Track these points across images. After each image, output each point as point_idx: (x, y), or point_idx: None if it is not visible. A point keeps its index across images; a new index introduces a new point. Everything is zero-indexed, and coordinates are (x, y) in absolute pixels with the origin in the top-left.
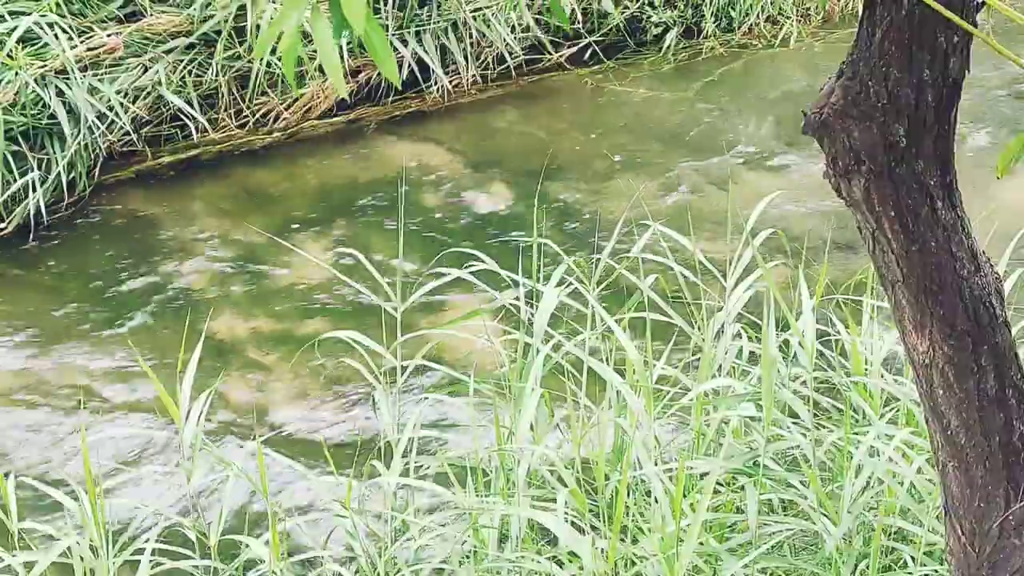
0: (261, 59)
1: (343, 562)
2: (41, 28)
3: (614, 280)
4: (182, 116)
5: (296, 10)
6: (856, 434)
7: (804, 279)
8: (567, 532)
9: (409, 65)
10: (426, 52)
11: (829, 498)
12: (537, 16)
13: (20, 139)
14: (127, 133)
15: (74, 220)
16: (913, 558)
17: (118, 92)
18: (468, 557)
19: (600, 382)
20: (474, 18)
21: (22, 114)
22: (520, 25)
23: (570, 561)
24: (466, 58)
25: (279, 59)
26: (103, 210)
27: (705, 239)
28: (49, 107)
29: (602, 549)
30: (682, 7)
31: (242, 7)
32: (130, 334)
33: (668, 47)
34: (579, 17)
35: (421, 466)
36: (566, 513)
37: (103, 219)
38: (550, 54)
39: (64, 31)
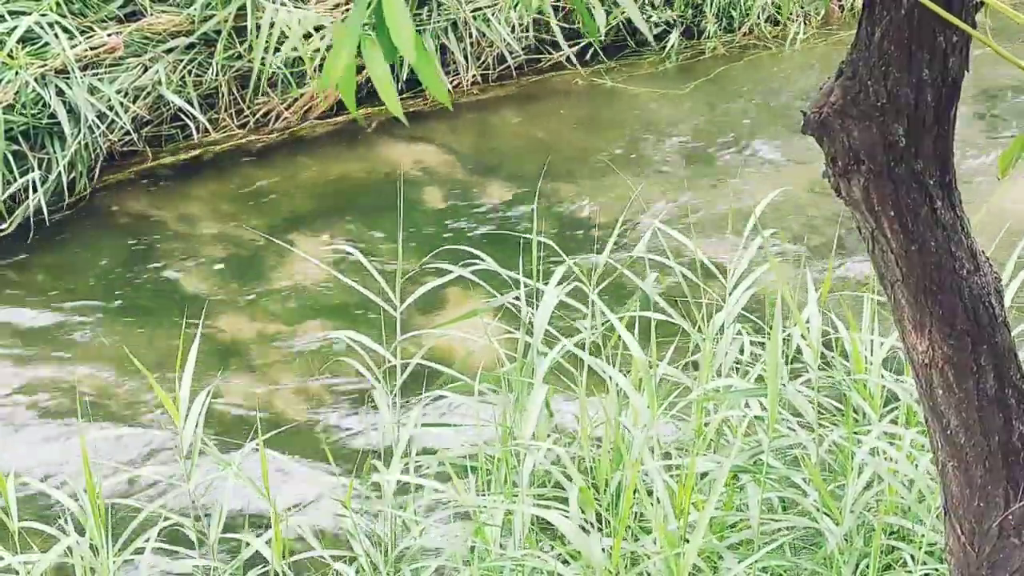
0: (262, 59)
1: (344, 561)
2: (41, 28)
3: (615, 280)
4: (182, 116)
5: (350, 39)
6: (857, 433)
7: (804, 278)
8: (574, 530)
9: (409, 65)
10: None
11: (831, 497)
12: (537, 16)
13: (20, 139)
14: (127, 133)
15: (74, 220)
16: (913, 557)
17: (118, 92)
18: (470, 557)
19: (599, 382)
20: (474, 18)
21: (22, 114)
22: (520, 25)
23: (573, 559)
24: (466, 58)
25: (280, 62)
26: (103, 210)
27: (705, 239)
28: (49, 107)
29: (603, 548)
30: (682, 7)
31: (242, 7)
32: (130, 333)
33: (671, 47)
34: (579, 17)
35: (421, 465)
36: (570, 511)
37: (103, 219)
38: (550, 54)
39: (64, 31)
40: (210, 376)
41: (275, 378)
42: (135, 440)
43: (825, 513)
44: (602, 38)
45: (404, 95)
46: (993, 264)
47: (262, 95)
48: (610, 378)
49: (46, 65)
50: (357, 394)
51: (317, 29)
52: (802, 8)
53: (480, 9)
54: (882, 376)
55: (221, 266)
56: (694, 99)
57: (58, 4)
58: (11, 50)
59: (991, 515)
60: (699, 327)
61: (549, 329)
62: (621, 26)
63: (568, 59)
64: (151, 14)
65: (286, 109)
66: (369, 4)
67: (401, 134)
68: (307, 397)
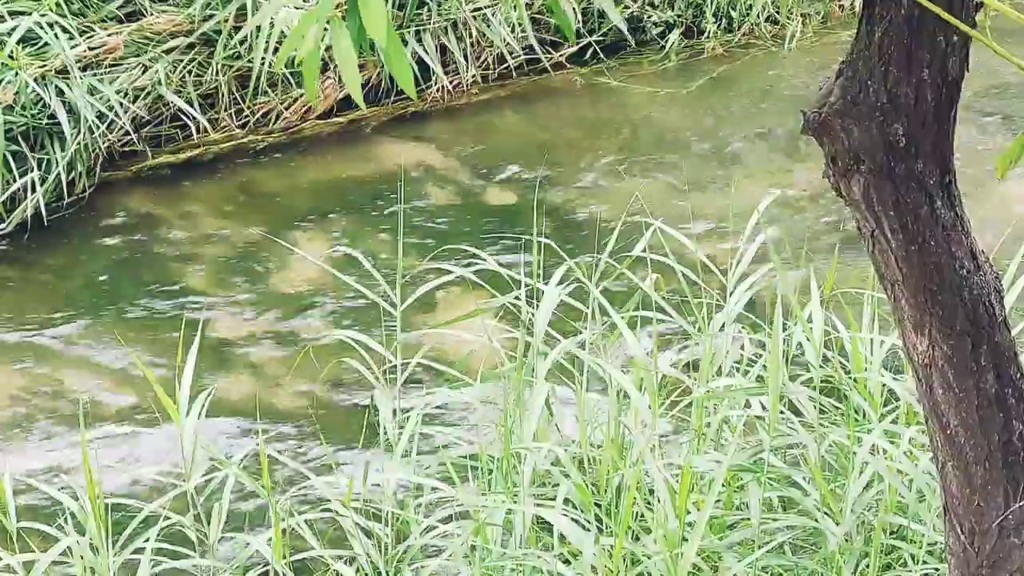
0: (262, 59)
1: (344, 561)
2: (41, 28)
3: (616, 280)
4: (182, 116)
5: (317, 20)
6: (858, 432)
7: (801, 278)
8: (573, 530)
9: (408, 65)
10: (426, 52)
11: (831, 497)
12: (537, 15)
13: (20, 139)
14: (127, 133)
15: (74, 220)
16: (913, 557)
17: (118, 92)
18: (470, 556)
19: (601, 383)
20: (474, 18)
21: (22, 114)
22: (520, 24)
23: (574, 558)
24: (466, 58)
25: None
26: (103, 210)
27: (706, 239)
28: (49, 107)
29: (605, 547)
30: (682, 7)
31: (242, 7)
32: (130, 334)
33: (671, 46)
34: (579, 17)
35: (422, 465)
36: (570, 510)
37: (103, 219)
38: (550, 54)
39: (64, 31)
40: (210, 376)
41: (275, 378)
42: (135, 440)
43: (825, 513)
44: (577, 39)
45: (403, 95)
46: (993, 264)
47: (262, 95)
48: (610, 378)
49: (46, 65)
50: (358, 393)
51: None
52: (800, 7)
53: (480, 9)
54: (882, 376)
55: (221, 266)
56: (694, 99)
57: (58, 4)
58: (11, 51)
59: (991, 515)
60: (699, 327)
61: (549, 330)
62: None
63: (568, 59)
64: (151, 14)
65: (286, 109)
66: None
67: (401, 134)
68: (307, 397)
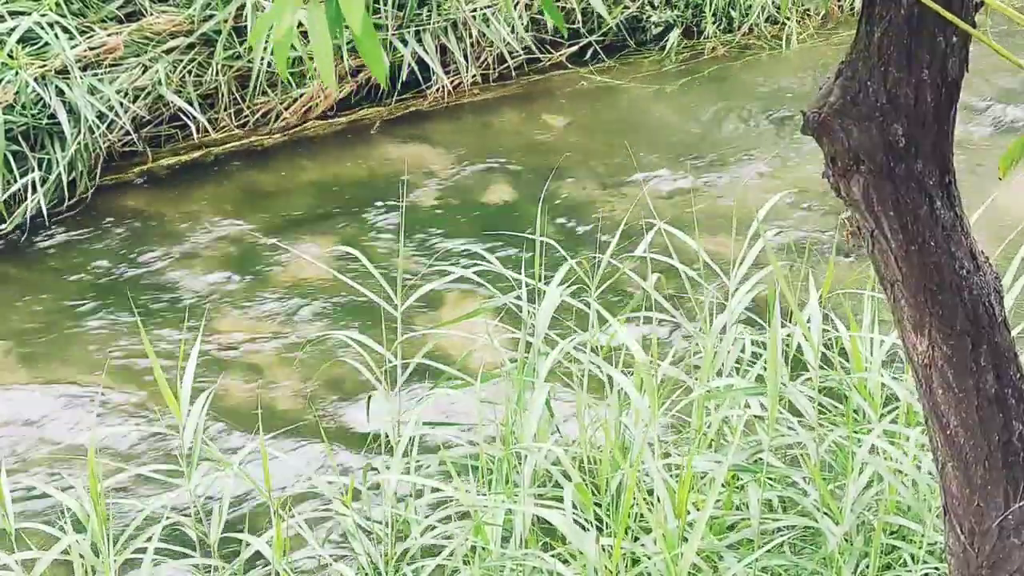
0: (261, 59)
1: (344, 561)
2: (41, 28)
3: (618, 280)
4: (182, 116)
5: (293, 4)
6: (857, 432)
7: (802, 278)
8: (572, 529)
9: (409, 65)
10: (426, 52)
11: (831, 497)
12: (537, 15)
13: (20, 139)
14: (127, 133)
15: (74, 220)
16: (913, 557)
17: (118, 92)
18: (470, 556)
19: (602, 383)
20: (474, 18)
21: (22, 114)
22: (521, 23)
23: (573, 559)
24: (466, 58)
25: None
26: (103, 210)
27: (708, 239)
28: (49, 107)
29: (604, 547)
30: (682, 7)
31: (242, 7)
32: (130, 334)
33: (671, 47)
34: (579, 17)
35: (422, 465)
36: (571, 510)
37: (103, 219)
38: (550, 54)
39: (64, 31)
40: (211, 375)
41: (275, 378)
42: (136, 439)
43: (825, 513)
44: (577, 39)
45: (404, 95)
46: (993, 264)
47: (261, 95)
48: (609, 378)
49: (46, 65)
50: (358, 394)
51: None
52: (801, 7)
53: (480, 9)
54: (882, 376)
55: (221, 266)
56: (694, 99)
57: (58, 4)
58: (11, 50)
59: (991, 515)
60: (701, 327)
61: (549, 333)
62: (621, 26)
63: (568, 59)
64: (151, 14)
65: (286, 109)
66: None
67: (402, 134)
68: (308, 397)
